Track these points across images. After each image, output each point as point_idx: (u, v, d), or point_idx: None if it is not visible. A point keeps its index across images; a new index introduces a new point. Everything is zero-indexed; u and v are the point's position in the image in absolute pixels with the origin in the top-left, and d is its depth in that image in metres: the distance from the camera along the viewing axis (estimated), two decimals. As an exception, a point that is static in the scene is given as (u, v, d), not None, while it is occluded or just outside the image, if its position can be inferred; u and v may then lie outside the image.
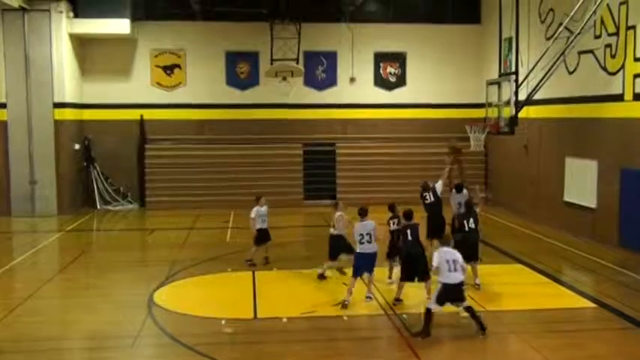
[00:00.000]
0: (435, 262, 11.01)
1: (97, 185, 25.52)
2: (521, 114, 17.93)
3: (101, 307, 12.70)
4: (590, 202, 18.78)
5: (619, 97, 17.33)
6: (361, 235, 12.66)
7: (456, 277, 10.89)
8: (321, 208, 21.23)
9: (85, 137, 25.49)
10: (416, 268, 12.50)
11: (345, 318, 12.04)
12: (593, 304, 12.91)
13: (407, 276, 12.63)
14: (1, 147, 23.33)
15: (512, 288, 13.99)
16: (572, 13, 17.80)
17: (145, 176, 25.71)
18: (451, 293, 10.91)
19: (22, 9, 22.60)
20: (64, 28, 23.47)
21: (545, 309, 12.57)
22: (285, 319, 11.85)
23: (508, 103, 17.84)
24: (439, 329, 11.67)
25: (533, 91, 17.81)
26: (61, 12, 23.27)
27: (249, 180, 24.51)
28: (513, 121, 17.69)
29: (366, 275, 13.01)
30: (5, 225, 21.16)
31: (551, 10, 20.79)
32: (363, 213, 12.98)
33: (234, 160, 25.49)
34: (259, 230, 15.71)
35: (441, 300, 10.92)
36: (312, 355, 10.44)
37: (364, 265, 12.75)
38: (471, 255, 13.27)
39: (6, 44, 23.02)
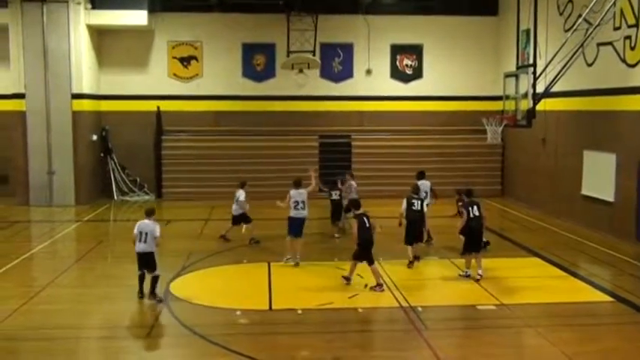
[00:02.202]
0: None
1: (114, 176, 25.70)
2: (539, 106, 17.78)
3: (118, 297, 12.80)
4: (608, 195, 18.61)
5: (638, 90, 17.14)
6: (296, 201, 14.75)
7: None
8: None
9: (102, 128, 25.66)
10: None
11: (360, 310, 12.06)
12: (609, 298, 12.84)
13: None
14: (20, 137, 23.56)
15: (528, 281, 13.93)
16: (591, 5, 17.60)
17: (162, 167, 25.84)
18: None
19: (41, 0, 22.76)
20: (81, 20, 23.61)
21: (561, 302, 12.51)
22: (299, 311, 11.89)
23: (525, 95, 17.69)
24: (454, 322, 11.68)
25: (551, 83, 17.65)
26: (79, 3, 23.41)
27: (265, 172, 24.54)
28: (531, 113, 17.54)
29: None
30: (24, 214, 21.36)
31: (570, 1, 20.58)
32: (297, 183, 15.07)
33: (249, 152, 25.52)
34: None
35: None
36: (326, 347, 10.45)
37: (295, 226, 14.83)
38: (475, 244, 13.84)
39: (25, 36, 23.19)
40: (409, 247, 14.92)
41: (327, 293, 12.96)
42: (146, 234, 12.40)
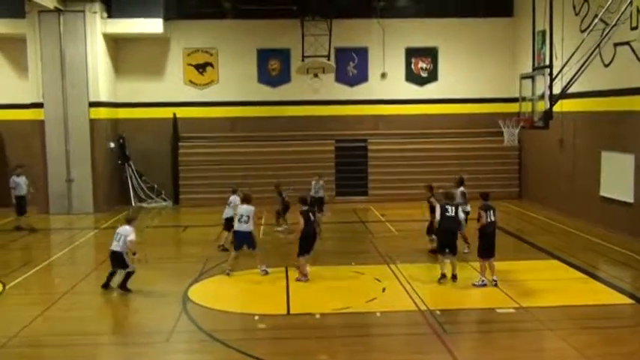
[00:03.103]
0: None
1: (131, 183, 25.88)
2: (556, 108, 17.66)
3: (136, 303, 12.87)
4: (627, 196, 18.44)
5: (656, 90, 17.00)
6: (241, 215, 14.57)
7: None
8: (353, 205, 21.17)
9: (119, 136, 25.85)
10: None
11: (378, 314, 12.03)
12: (630, 300, 12.69)
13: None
14: (39, 146, 23.80)
15: (547, 284, 13.82)
16: (607, 5, 17.47)
17: (179, 174, 25.98)
18: None
19: (58, 10, 23.00)
20: (98, 29, 23.83)
21: (581, 305, 12.40)
22: (318, 315, 11.88)
23: (542, 97, 17.57)
24: (473, 325, 11.61)
25: (567, 84, 17.53)
26: (95, 12, 23.64)
27: (281, 177, 24.53)
28: (548, 115, 17.42)
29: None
30: (43, 222, 21.54)
31: (586, 1, 20.45)
32: (246, 199, 14.97)
33: (266, 157, 25.61)
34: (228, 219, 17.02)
35: None
36: (345, 351, 10.43)
37: (237, 240, 14.75)
38: (488, 250, 13.52)
39: (42, 45, 23.46)
40: (440, 257, 14.06)
41: (344, 297, 12.94)
42: (121, 237, 13.45)
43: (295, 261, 14.40)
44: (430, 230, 16.15)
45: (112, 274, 13.73)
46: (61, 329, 11.43)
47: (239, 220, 14.60)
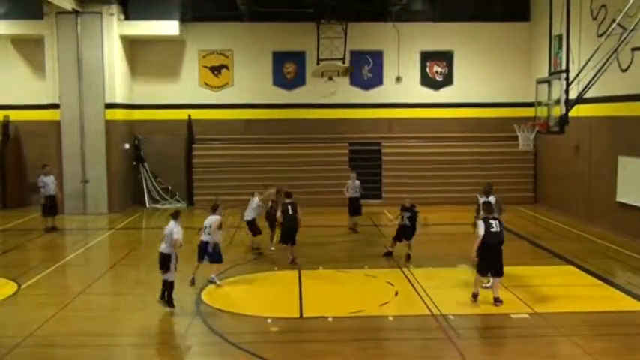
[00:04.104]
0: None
1: (146, 184, 26.00)
2: (572, 113, 17.51)
3: (150, 304, 12.90)
4: (644, 202, 18.28)
5: (674, 95, 16.83)
6: (204, 226, 14.20)
7: None
8: (367, 208, 21.16)
9: (134, 137, 25.99)
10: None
11: (391, 318, 11.99)
12: (646, 307, 12.58)
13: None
14: (55, 146, 23.98)
15: (562, 290, 13.71)
16: (625, 9, 17.32)
17: (193, 175, 26.06)
18: None
19: (75, 12, 23.18)
20: (115, 30, 23.99)
21: (596, 311, 12.30)
22: (330, 319, 11.85)
23: (558, 101, 17.43)
24: (487, 330, 11.54)
25: (584, 89, 17.38)
26: (112, 14, 23.80)
27: (295, 179, 24.55)
28: (563, 120, 17.27)
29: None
30: (59, 222, 21.66)
31: (603, 6, 20.30)
32: (213, 208, 14.47)
33: (280, 160, 25.62)
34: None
35: None
36: (357, 355, 10.40)
37: (200, 250, 14.27)
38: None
39: (60, 46, 23.65)
40: (478, 277, 12.79)
41: (357, 301, 12.92)
42: (166, 235, 12.63)
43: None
44: (399, 236, 16.24)
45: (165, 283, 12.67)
46: (75, 329, 11.49)
47: (203, 231, 14.33)
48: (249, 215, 17.33)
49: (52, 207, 20.80)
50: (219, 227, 14.25)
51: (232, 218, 21.57)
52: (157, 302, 12.45)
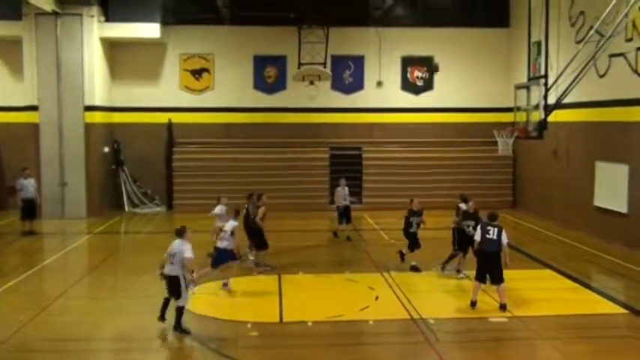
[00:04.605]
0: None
1: (125, 188, 25.81)
2: (550, 118, 17.72)
3: (128, 309, 12.80)
4: (621, 206, 18.48)
5: (651, 101, 17.07)
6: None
7: None
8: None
9: (114, 140, 25.80)
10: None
11: (371, 322, 12.00)
12: (624, 310, 12.71)
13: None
14: (33, 149, 23.69)
15: (541, 293, 13.84)
16: (602, 16, 17.54)
17: (173, 179, 25.92)
18: None
19: (55, 13, 22.96)
20: (95, 32, 23.79)
21: (575, 315, 12.41)
22: (310, 323, 11.84)
23: (537, 107, 17.63)
24: (466, 334, 11.59)
25: (562, 94, 17.59)
26: (92, 16, 23.60)
27: (276, 184, 24.57)
28: (542, 125, 17.48)
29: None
30: (36, 226, 21.42)
31: (582, 13, 20.54)
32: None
33: (261, 164, 25.57)
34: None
35: None
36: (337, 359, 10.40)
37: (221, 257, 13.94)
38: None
39: (39, 48, 23.38)
40: (476, 284, 12.71)
41: (337, 305, 12.92)
42: (173, 255, 11.32)
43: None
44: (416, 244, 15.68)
45: (165, 303, 11.58)
46: (53, 334, 11.36)
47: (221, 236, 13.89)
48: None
49: (30, 210, 20.60)
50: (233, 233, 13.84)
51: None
52: (158, 321, 11.42)
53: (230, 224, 13.93)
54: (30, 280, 15.24)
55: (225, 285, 14.05)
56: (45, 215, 23.25)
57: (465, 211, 14.83)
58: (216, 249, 14.03)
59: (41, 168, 23.58)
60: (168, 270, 11.32)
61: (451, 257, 15.18)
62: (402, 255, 15.96)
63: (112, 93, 25.85)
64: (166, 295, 11.50)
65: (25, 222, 20.51)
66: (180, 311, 11.33)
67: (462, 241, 14.78)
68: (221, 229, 14.26)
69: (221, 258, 13.90)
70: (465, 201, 15.14)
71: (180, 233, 11.54)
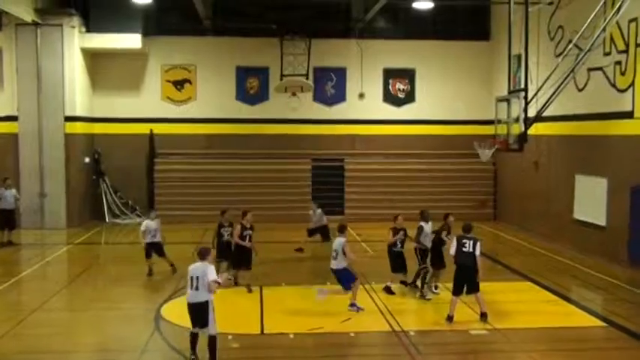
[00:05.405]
0: None
1: (106, 199, 25.62)
2: (531, 131, 17.87)
3: (108, 321, 12.70)
4: (600, 219, 18.66)
5: (629, 115, 17.27)
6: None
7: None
8: (328, 224, 21.17)
9: (94, 151, 25.64)
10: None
11: (352, 334, 11.99)
12: (602, 323, 12.81)
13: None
14: (12, 160, 23.48)
15: (520, 306, 13.90)
16: (581, 31, 17.80)
17: (154, 190, 25.79)
18: None
19: (35, 23, 22.83)
20: (76, 43, 23.69)
21: (554, 327, 12.47)
22: (291, 335, 11.82)
23: (517, 119, 17.78)
24: (447, 346, 11.61)
25: (542, 107, 17.77)
26: (73, 27, 23.50)
27: (257, 195, 24.56)
28: (522, 137, 17.62)
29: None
30: (15, 237, 21.17)
31: (561, 27, 20.81)
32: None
33: (242, 175, 25.53)
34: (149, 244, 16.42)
35: None
36: (318, 372, 10.38)
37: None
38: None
39: (19, 58, 23.23)
40: (454, 299, 12.60)
41: (319, 317, 12.89)
42: (197, 279, 10.25)
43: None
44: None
45: (194, 339, 10.40)
46: (30, 347, 11.22)
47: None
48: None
49: (8, 221, 20.42)
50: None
51: (197, 234, 21.45)
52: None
53: (338, 242, 13.48)
54: (7, 291, 15.07)
55: (352, 305, 13.43)
56: (24, 226, 23.01)
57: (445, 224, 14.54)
58: (332, 270, 13.58)
59: (20, 178, 23.35)
60: (193, 297, 10.26)
61: (418, 275, 14.67)
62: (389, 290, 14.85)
63: (93, 103, 25.72)
64: (192, 330, 10.42)
65: (4, 232, 20.32)
66: (214, 342, 10.23)
67: (434, 257, 14.38)
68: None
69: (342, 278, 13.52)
70: (426, 220, 14.67)
71: (203, 255, 10.38)
